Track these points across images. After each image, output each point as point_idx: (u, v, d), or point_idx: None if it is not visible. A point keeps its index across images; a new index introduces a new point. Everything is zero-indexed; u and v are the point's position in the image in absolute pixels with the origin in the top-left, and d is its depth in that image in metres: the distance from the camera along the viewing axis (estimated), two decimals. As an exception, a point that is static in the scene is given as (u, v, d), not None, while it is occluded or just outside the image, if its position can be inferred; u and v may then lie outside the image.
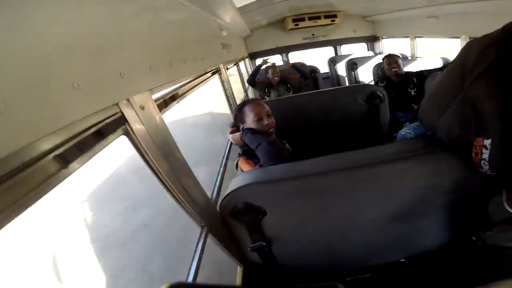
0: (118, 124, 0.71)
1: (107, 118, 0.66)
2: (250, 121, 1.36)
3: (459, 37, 2.86)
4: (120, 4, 0.81)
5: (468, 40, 2.72)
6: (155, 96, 0.95)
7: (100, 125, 0.64)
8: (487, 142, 0.72)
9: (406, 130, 2.52)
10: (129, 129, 0.74)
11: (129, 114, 0.74)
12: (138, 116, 0.77)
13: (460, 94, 0.76)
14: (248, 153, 1.33)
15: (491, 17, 2.33)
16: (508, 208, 0.78)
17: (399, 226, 1.03)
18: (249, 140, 1.27)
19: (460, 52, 0.78)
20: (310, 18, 4.44)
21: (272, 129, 1.37)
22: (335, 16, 4.46)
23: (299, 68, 3.85)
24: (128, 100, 0.73)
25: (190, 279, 0.90)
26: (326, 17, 4.45)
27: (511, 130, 0.67)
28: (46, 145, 0.49)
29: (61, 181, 0.54)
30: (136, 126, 0.76)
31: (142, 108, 0.80)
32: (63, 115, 0.52)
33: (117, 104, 0.69)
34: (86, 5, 0.65)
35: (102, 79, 0.64)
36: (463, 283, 1.03)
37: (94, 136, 0.63)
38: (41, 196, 0.49)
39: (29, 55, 0.47)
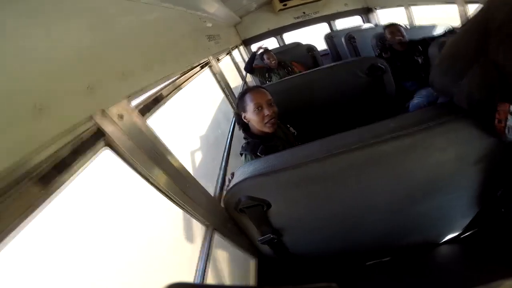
0: (95, 138, 0.70)
1: (81, 133, 0.65)
2: (250, 111, 1.34)
3: (454, 2, 2.74)
4: (82, 12, 0.79)
5: (465, 4, 2.59)
6: (135, 102, 0.95)
7: (74, 142, 0.63)
8: None
9: (419, 98, 2.47)
10: (110, 140, 0.74)
11: (107, 125, 0.72)
12: (118, 126, 0.76)
13: (482, 55, 0.68)
14: (251, 145, 1.33)
15: None
16: None
17: (417, 206, 0.97)
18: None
19: (481, 9, 0.69)
20: None
21: (273, 119, 1.33)
22: None
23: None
24: (103, 111, 0.72)
25: (197, 281, 0.90)
26: None
27: None
28: (21, 170, 0.49)
29: (43, 203, 0.54)
30: (117, 136, 0.75)
31: (121, 117, 0.79)
32: (31, 137, 0.51)
33: (91, 117, 0.68)
34: (52, 15, 0.65)
35: (66, 96, 0.63)
36: (492, 266, 0.97)
37: (72, 154, 0.63)
38: (28, 222, 0.49)
39: None
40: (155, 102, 1.14)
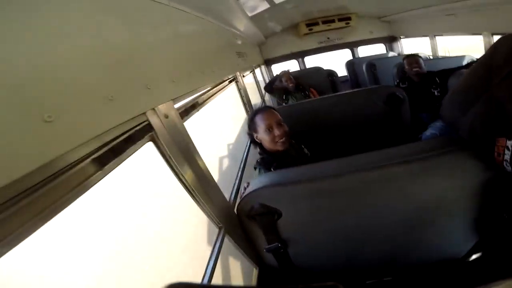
0: (145, 131, 0.78)
1: (136, 125, 0.73)
2: (261, 131, 1.37)
3: (480, 34, 2.75)
4: (140, 20, 0.90)
5: (490, 36, 2.61)
6: (177, 105, 1.02)
7: (131, 132, 0.71)
8: (510, 143, 0.71)
9: (432, 131, 2.47)
10: (155, 136, 0.81)
11: (155, 122, 0.81)
12: (162, 124, 0.85)
13: (486, 92, 0.73)
14: (264, 162, 1.36)
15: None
16: None
17: (421, 228, 1.00)
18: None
19: (488, 49, 0.75)
20: (324, 22, 4.47)
21: (283, 138, 1.36)
22: (349, 18, 4.46)
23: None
24: (153, 109, 0.81)
25: (206, 279, 0.93)
26: (340, 20, 4.46)
27: None
28: (85, 150, 0.56)
29: (97, 182, 0.60)
30: (161, 133, 0.83)
31: (166, 116, 0.87)
32: (101, 123, 0.59)
33: (144, 113, 0.76)
34: (114, 23, 0.74)
35: (132, 91, 0.72)
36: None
37: (125, 142, 0.70)
38: (80, 195, 0.55)
39: (66, 67, 0.54)
40: (192, 107, 1.22)
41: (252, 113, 1.49)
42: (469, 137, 0.84)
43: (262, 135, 1.38)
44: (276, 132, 1.35)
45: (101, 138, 0.60)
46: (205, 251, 1.05)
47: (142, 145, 0.78)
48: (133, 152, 0.74)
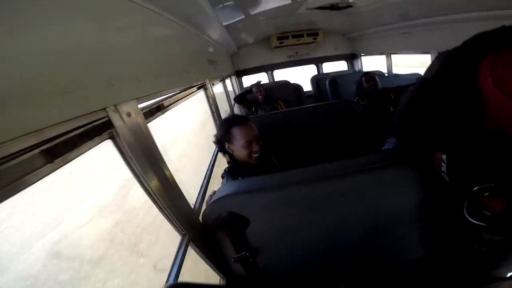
0: (104, 128, 0.76)
1: (94, 121, 0.71)
2: (239, 145, 1.34)
3: (428, 52, 3.04)
4: (110, 17, 0.88)
5: (436, 54, 2.89)
6: (141, 105, 1.00)
7: (88, 127, 0.69)
8: (444, 156, 0.79)
9: (388, 146, 2.62)
10: (115, 133, 0.79)
11: (116, 119, 0.79)
12: (124, 122, 0.83)
13: (424, 108, 0.79)
14: (233, 171, 1.36)
15: (459, 31, 2.44)
16: (468, 217, 0.83)
17: (380, 235, 1.05)
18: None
19: (428, 66, 0.80)
20: (293, 36, 4.70)
21: (258, 153, 1.36)
22: (316, 34, 4.74)
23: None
24: (115, 106, 0.79)
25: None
26: (308, 35, 4.72)
27: (461, 146, 0.74)
28: (33, 140, 0.53)
29: (45, 175, 0.58)
30: (122, 131, 0.81)
31: (129, 115, 0.85)
32: (53, 114, 0.57)
33: (104, 109, 0.74)
34: (80, 17, 0.72)
35: (92, 85, 0.69)
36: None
37: (81, 137, 0.68)
38: (24, 188, 0.53)
39: (28, 57, 0.53)
40: (157, 109, 1.20)
41: (227, 122, 1.42)
42: (413, 151, 0.92)
43: (237, 148, 1.36)
44: (254, 148, 1.35)
45: (53, 130, 0.57)
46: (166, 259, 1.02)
47: (100, 142, 0.75)
48: (89, 149, 0.72)
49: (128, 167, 0.88)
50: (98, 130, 0.74)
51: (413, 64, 4.35)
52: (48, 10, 0.61)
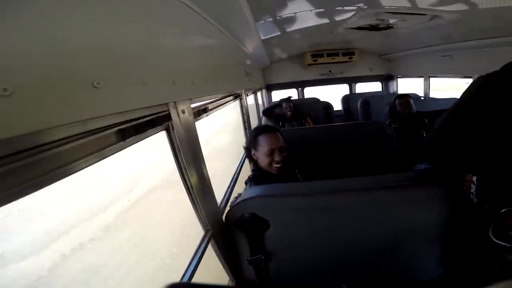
0: (164, 120, 0.85)
1: (158, 112, 0.80)
2: (262, 152, 1.38)
3: (471, 77, 2.91)
4: (173, 23, 0.99)
5: None
6: (193, 105, 1.09)
7: (152, 116, 0.78)
8: (474, 178, 0.80)
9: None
10: (170, 126, 0.88)
11: (174, 114, 0.88)
12: (179, 117, 0.92)
13: (455, 131, 0.81)
14: (256, 178, 1.40)
15: (503, 54, 2.36)
16: (493, 238, 0.82)
17: (398, 251, 1.05)
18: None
19: (465, 90, 0.82)
20: (328, 55, 4.60)
21: (280, 164, 1.38)
22: (352, 53, 4.62)
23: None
24: (175, 103, 0.88)
25: (185, 279, 0.94)
26: (344, 54, 4.61)
27: (493, 169, 0.74)
28: (115, 120, 0.62)
29: (118, 150, 0.67)
30: (177, 125, 0.90)
31: (183, 112, 0.95)
32: (134, 101, 0.67)
33: (167, 104, 0.84)
34: (153, 22, 0.83)
35: (162, 81, 0.80)
36: None
37: (146, 124, 0.77)
38: (104, 157, 0.62)
39: (120, 55, 0.63)
40: (204, 111, 1.30)
41: (257, 130, 1.48)
42: (443, 172, 0.92)
43: (261, 155, 1.40)
44: (276, 157, 1.37)
45: (127, 114, 0.66)
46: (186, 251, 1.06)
47: (159, 131, 0.84)
48: (150, 135, 0.80)
49: (174, 158, 0.95)
50: (159, 121, 0.82)
51: (444, 87, 4.18)
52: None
